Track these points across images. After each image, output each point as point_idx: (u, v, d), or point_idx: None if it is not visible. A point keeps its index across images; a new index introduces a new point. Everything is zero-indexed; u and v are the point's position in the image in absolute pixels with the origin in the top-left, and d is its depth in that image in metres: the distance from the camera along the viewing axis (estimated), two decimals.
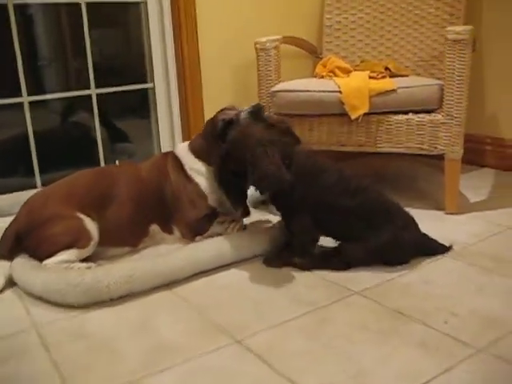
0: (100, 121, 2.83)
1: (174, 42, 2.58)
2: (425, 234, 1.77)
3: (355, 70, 2.37)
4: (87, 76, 2.53)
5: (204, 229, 1.92)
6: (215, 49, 2.64)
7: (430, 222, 2.06)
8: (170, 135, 2.69)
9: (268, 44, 2.35)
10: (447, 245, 1.80)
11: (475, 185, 2.55)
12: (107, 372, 1.27)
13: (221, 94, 2.70)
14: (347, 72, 2.34)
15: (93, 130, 2.84)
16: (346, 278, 1.67)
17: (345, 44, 2.80)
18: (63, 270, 1.66)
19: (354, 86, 2.17)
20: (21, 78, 2.35)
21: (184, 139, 2.64)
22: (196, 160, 1.96)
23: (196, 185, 1.94)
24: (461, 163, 2.16)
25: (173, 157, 2.00)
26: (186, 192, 1.93)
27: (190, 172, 1.95)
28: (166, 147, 2.68)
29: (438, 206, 2.23)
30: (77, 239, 1.75)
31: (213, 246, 1.79)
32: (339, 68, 2.35)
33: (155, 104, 2.67)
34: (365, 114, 2.17)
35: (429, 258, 1.76)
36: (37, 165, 2.45)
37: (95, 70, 2.54)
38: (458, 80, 2.07)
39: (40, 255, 1.75)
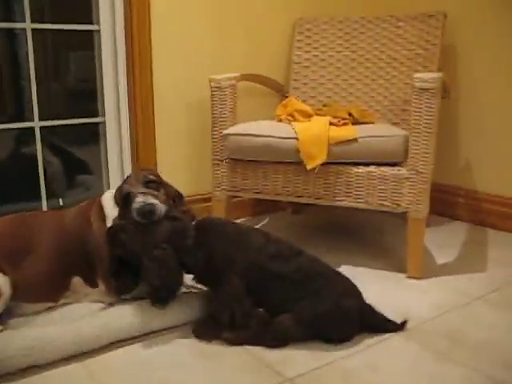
0: (55, 152, 2.65)
1: (127, 76, 2.39)
2: (370, 306, 1.57)
3: (317, 114, 2.19)
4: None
5: (126, 287, 1.70)
6: (171, 85, 2.46)
7: (387, 288, 1.89)
8: (120, 171, 2.50)
9: (223, 82, 2.17)
10: (401, 320, 1.60)
11: (444, 241, 2.36)
12: None
13: (175, 133, 2.51)
14: (308, 116, 2.16)
15: (46, 162, 2.66)
16: (281, 357, 1.46)
17: (313, 83, 2.63)
18: None
19: (312, 133, 1.99)
20: None
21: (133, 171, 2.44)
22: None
23: None
24: (431, 214, 1.98)
25: (98, 204, 1.81)
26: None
27: (109, 223, 1.74)
28: (115, 182, 2.47)
29: (401, 267, 2.03)
30: None
31: (134, 312, 1.58)
32: (299, 111, 2.17)
33: (105, 138, 2.48)
34: (323, 164, 1.98)
35: (377, 335, 1.56)
36: None
37: (42, 101, 2.35)
38: (424, 132, 1.89)
39: None
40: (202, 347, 1.52)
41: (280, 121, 2.20)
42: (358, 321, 1.52)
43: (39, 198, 2.40)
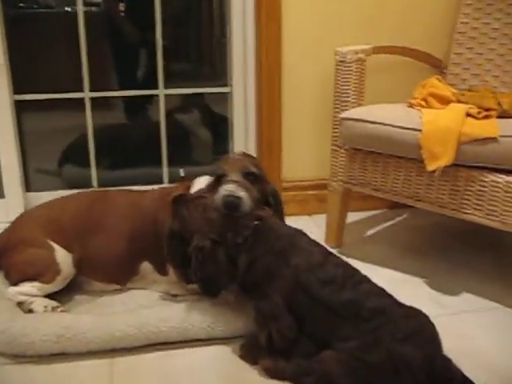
0: (207, 121, 2.68)
1: (256, 45, 2.20)
2: (444, 357, 1.19)
3: (459, 100, 1.75)
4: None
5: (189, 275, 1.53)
6: (300, 59, 2.21)
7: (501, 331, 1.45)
8: (244, 141, 2.36)
9: (348, 56, 1.84)
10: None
11: None
12: None
13: (301, 110, 2.27)
14: (445, 102, 1.74)
15: (190, 131, 2.66)
16: None
17: (478, 59, 2.12)
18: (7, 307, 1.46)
19: (439, 126, 1.59)
20: (84, 73, 2.21)
21: (257, 146, 2.30)
22: None
23: None
24: None
25: (185, 187, 1.66)
26: None
27: None
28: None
29: None
30: (41, 272, 1.53)
31: (177, 315, 1.42)
32: (434, 96, 1.75)
33: (232, 108, 2.34)
34: (452, 166, 1.58)
35: None
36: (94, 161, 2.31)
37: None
38: None
39: (8, 280, 1.57)
40: (236, 370, 1.32)
41: (410, 106, 1.81)
42: (422, 375, 1.15)
43: (160, 165, 2.38)
